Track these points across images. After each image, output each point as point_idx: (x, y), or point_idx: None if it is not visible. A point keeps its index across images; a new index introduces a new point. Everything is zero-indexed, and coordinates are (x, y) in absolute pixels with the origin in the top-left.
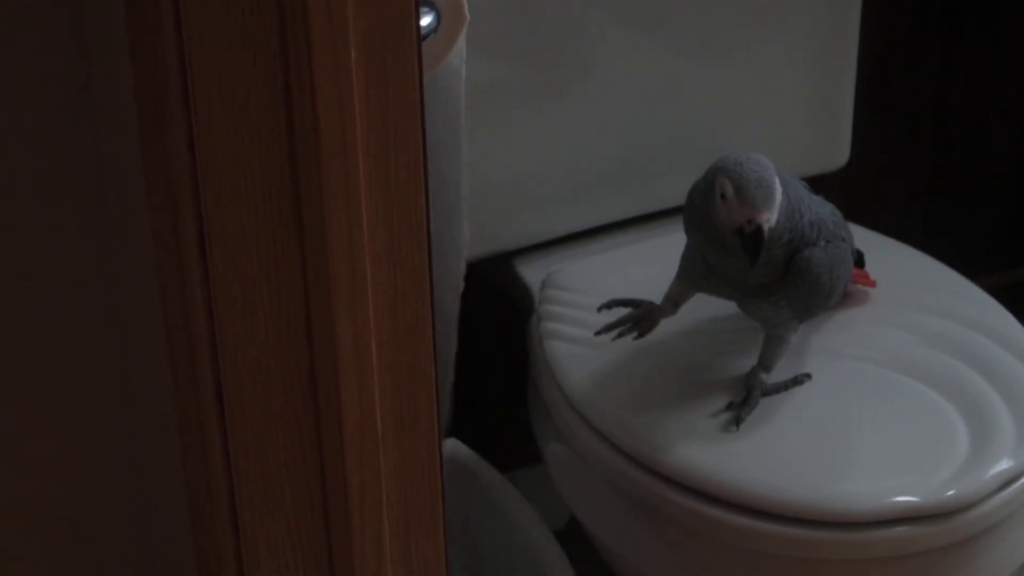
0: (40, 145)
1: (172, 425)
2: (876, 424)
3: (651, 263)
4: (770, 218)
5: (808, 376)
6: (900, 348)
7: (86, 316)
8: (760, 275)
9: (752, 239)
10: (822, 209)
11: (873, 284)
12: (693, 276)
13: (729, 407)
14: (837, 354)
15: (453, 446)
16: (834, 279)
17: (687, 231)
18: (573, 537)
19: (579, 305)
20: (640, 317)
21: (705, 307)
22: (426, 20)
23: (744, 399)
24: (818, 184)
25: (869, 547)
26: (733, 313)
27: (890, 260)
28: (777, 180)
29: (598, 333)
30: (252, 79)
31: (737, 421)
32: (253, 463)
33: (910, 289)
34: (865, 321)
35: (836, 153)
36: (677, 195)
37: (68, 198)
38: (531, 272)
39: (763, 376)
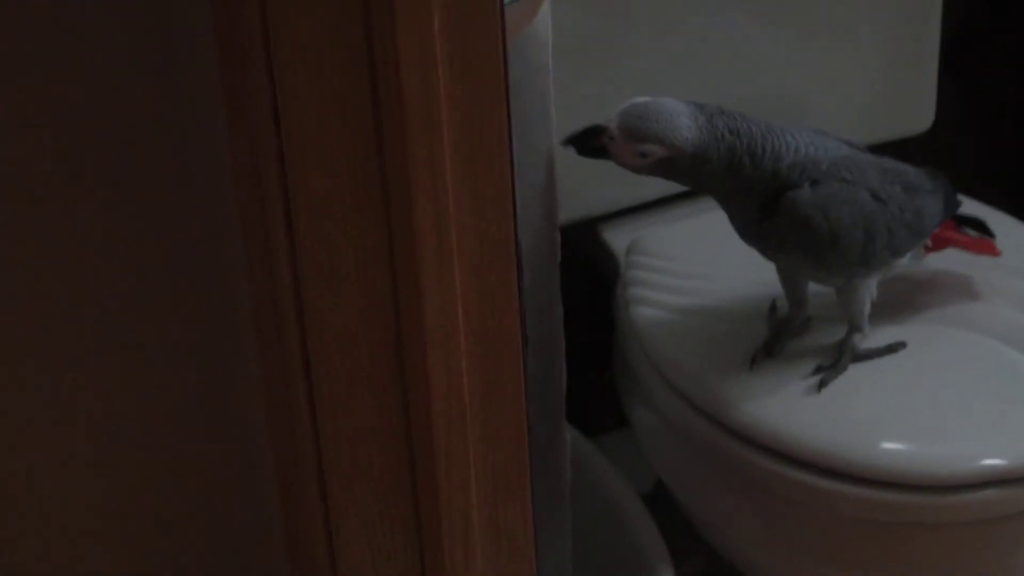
0: (124, 116)
1: (259, 394)
2: (963, 388)
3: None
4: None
5: (903, 344)
6: (989, 312)
7: (171, 285)
8: (744, 216)
9: (584, 137)
10: (819, 152)
11: (997, 254)
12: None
13: (818, 370)
14: (927, 319)
15: None
16: (833, 220)
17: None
18: (660, 501)
19: (665, 271)
20: (782, 332)
21: None
22: None
23: (834, 363)
24: (902, 149)
25: (957, 511)
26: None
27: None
28: (673, 119)
29: (753, 365)
30: (335, 49)
31: (821, 384)
32: (340, 431)
33: (1002, 256)
34: (950, 287)
35: (920, 117)
36: None
37: (152, 168)
38: (616, 238)
39: (856, 339)
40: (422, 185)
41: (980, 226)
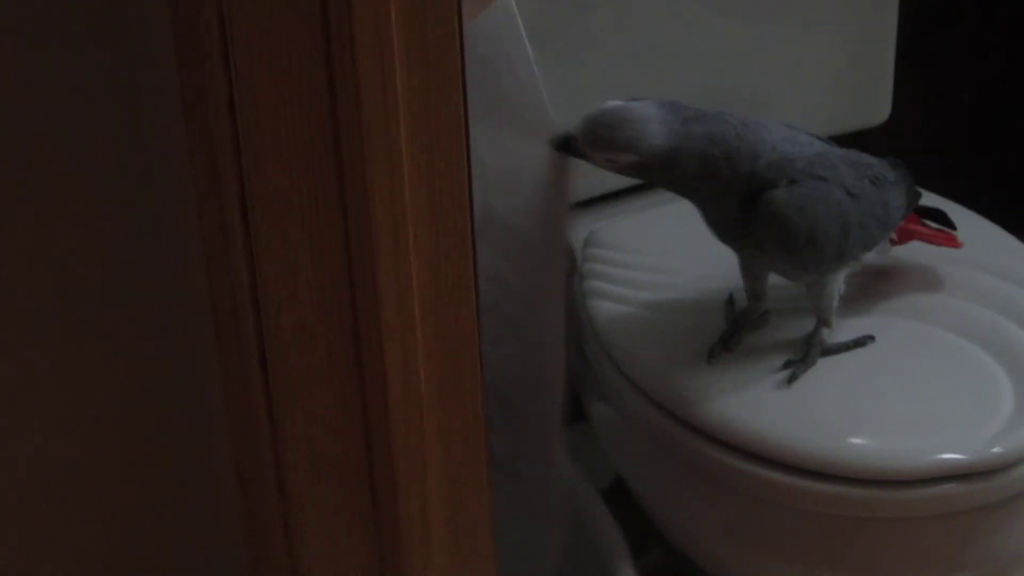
0: (78, 105)
1: (217, 389)
2: (923, 382)
3: (693, 221)
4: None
5: (871, 338)
6: (943, 305)
7: (129, 283)
8: (722, 222)
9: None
10: (795, 150)
11: (957, 245)
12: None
13: (787, 365)
14: (884, 312)
15: None
16: (810, 219)
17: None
18: (618, 495)
19: (621, 263)
20: (739, 326)
21: None
22: None
23: (803, 356)
24: (859, 140)
25: (916, 505)
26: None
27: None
28: (629, 119)
29: (711, 359)
30: (292, 38)
31: (791, 378)
32: (298, 425)
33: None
34: (911, 279)
35: (877, 109)
36: None
37: (107, 161)
38: (574, 230)
39: (824, 332)
40: (378, 177)
41: (941, 218)
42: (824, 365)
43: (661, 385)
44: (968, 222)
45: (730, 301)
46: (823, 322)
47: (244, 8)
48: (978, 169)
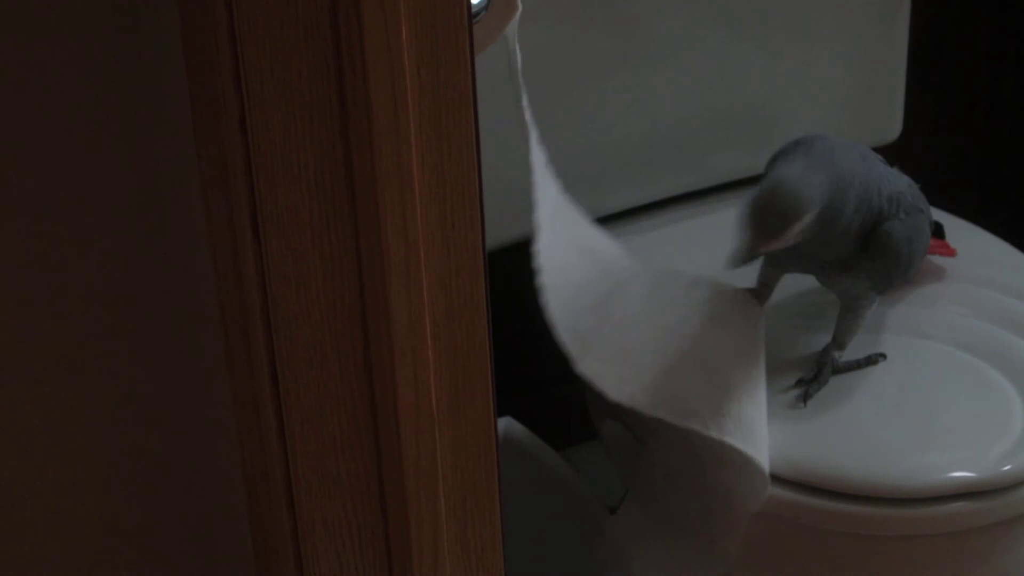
0: (91, 124)
1: (227, 406)
2: (932, 400)
3: (703, 239)
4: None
5: (883, 356)
6: (954, 323)
7: (141, 298)
8: (837, 251)
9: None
10: (900, 181)
11: (952, 253)
12: (779, 259)
13: (799, 383)
14: (894, 330)
15: (507, 424)
16: (912, 251)
17: None
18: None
19: None
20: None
21: (755, 281)
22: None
23: (815, 376)
24: None
25: (926, 523)
26: (802, 290)
27: (947, 235)
28: (805, 216)
29: None
30: (304, 59)
31: (805, 397)
32: (309, 443)
33: (967, 264)
34: (921, 297)
35: (888, 128)
36: (729, 171)
37: (120, 180)
38: None
39: (836, 354)
40: (390, 195)
41: (935, 229)
42: (833, 382)
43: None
44: (976, 238)
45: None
46: (838, 344)
47: (255, 27)
48: (989, 187)
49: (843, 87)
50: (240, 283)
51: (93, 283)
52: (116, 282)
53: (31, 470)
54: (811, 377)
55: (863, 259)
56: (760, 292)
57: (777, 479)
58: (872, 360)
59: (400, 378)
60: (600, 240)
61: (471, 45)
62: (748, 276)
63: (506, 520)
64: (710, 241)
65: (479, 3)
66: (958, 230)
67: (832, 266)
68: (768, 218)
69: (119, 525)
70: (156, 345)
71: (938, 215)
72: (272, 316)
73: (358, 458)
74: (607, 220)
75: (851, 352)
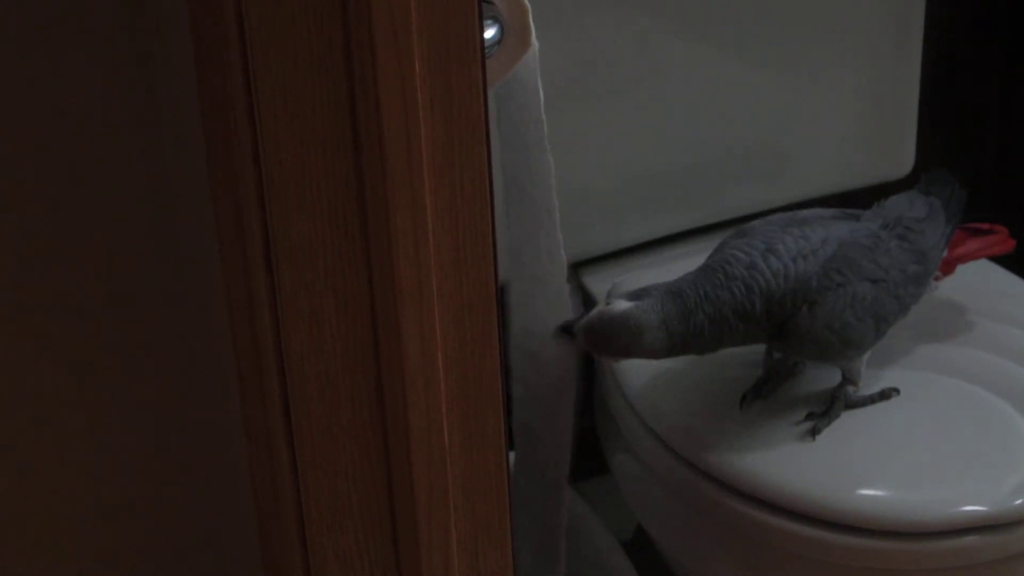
0: (105, 159)
1: (239, 439)
2: (944, 434)
3: None
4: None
5: (896, 391)
6: (966, 358)
7: (154, 330)
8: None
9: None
10: (807, 266)
11: (1011, 245)
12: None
13: (809, 417)
14: (906, 365)
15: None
16: (841, 328)
17: None
18: (640, 548)
19: None
20: (773, 374)
21: None
22: (490, 33)
23: (826, 410)
24: (881, 193)
25: (938, 557)
26: None
27: (959, 270)
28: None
29: (743, 406)
30: (317, 93)
31: (814, 432)
32: (321, 476)
33: (980, 298)
34: (933, 331)
35: (900, 162)
36: (741, 205)
37: (133, 212)
38: (596, 283)
39: (850, 388)
40: (402, 229)
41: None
42: (846, 416)
43: (683, 437)
44: (987, 272)
45: (770, 350)
46: (850, 381)
47: (269, 59)
48: (1001, 221)
49: (855, 122)
50: (253, 316)
51: (107, 316)
52: (129, 313)
53: (38, 496)
54: (822, 411)
55: (794, 350)
56: (773, 372)
57: (788, 512)
58: (885, 395)
59: (412, 411)
60: None
61: (484, 79)
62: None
63: (517, 553)
64: None
65: (492, 37)
66: (970, 265)
67: (779, 350)
68: (594, 339)
69: (126, 557)
70: (168, 377)
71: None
72: (284, 349)
73: (370, 491)
74: (620, 254)
75: (864, 386)
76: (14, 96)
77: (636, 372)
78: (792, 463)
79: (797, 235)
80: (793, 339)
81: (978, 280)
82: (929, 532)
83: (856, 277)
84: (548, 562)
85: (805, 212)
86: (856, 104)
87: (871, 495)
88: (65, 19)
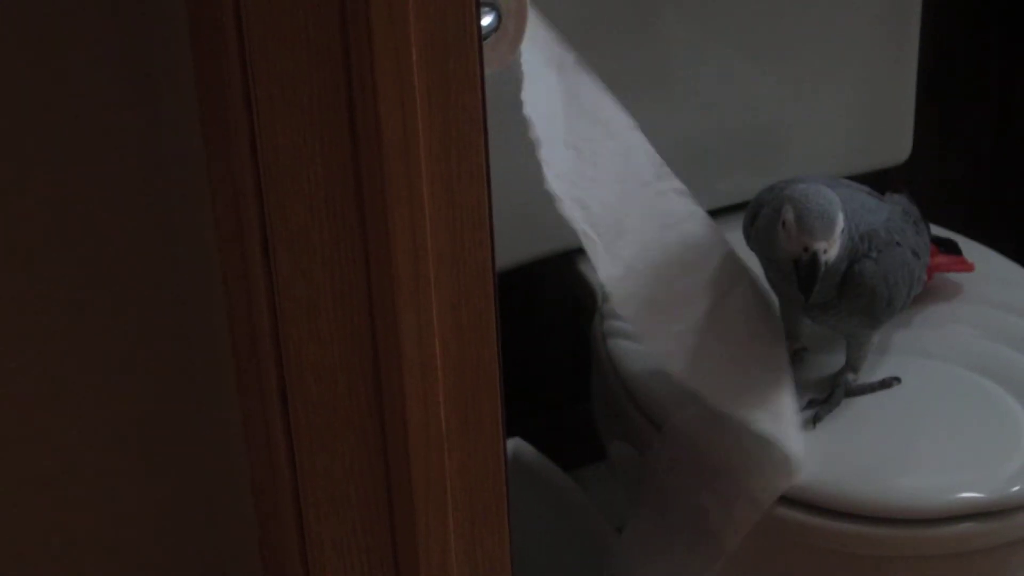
0: (101, 147)
1: (237, 426)
2: (942, 420)
3: None
4: (828, 249)
5: (897, 380)
6: (963, 344)
7: (151, 320)
8: (817, 296)
9: (808, 268)
10: (875, 217)
11: (970, 268)
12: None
13: (810, 404)
14: (904, 351)
15: (516, 445)
16: (891, 286)
17: (748, 245)
18: None
19: None
20: None
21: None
22: (487, 20)
23: (827, 397)
24: (879, 179)
25: (934, 544)
26: None
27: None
28: (841, 215)
29: None
30: (314, 80)
31: (815, 419)
32: (318, 464)
33: (977, 285)
34: (931, 317)
35: (898, 147)
36: (740, 192)
37: (129, 201)
38: (594, 271)
39: (850, 376)
40: (399, 216)
41: (949, 244)
42: (844, 403)
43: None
44: (985, 258)
45: None
46: (852, 368)
47: (266, 48)
48: (999, 208)
49: (853, 108)
50: (250, 304)
51: (103, 305)
52: (126, 303)
53: (34, 489)
54: (823, 399)
55: (841, 301)
56: (789, 334)
57: (785, 499)
58: (886, 384)
59: (409, 399)
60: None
61: (481, 66)
62: None
63: (515, 540)
64: None
65: (489, 24)
66: (967, 250)
67: (813, 310)
68: (815, 221)
69: (125, 543)
70: (166, 365)
71: (947, 236)
72: (282, 337)
73: (367, 478)
74: None
75: (866, 374)
76: (7, 86)
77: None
78: None
79: (857, 191)
80: (853, 286)
81: (977, 267)
82: (926, 519)
83: (905, 243)
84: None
85: (841, 179)
86: (853, 90)
87: (869, 482)
88: (61, 9)
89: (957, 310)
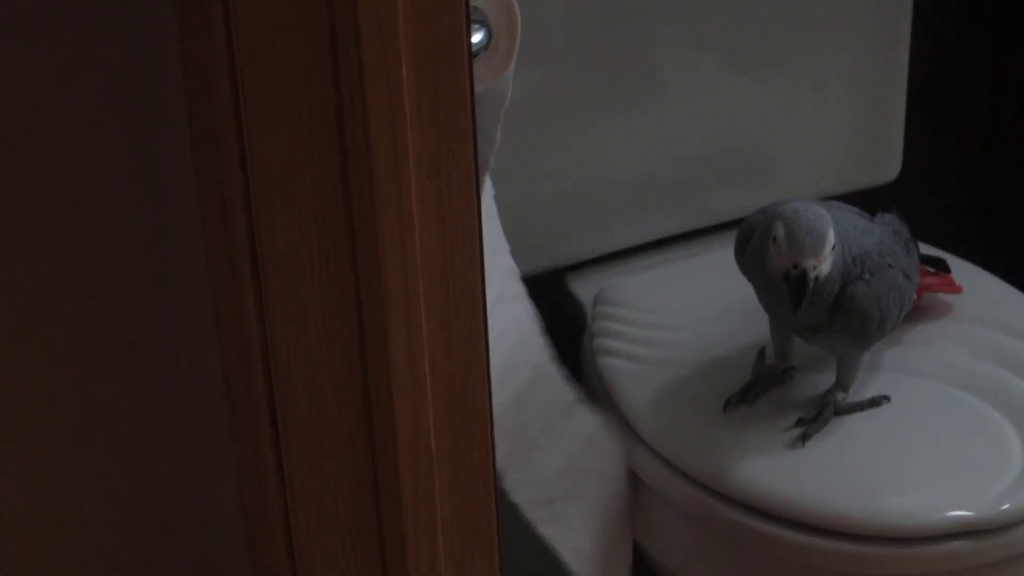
0: (91, 163)
1: (227, 444)
2: (931, 439)
3: (704, 278)
4: (817, 265)
5: (887, 398)
6: (953, 362)
7: (140, 335)
8: (809, 317)
9: (797, 283)
10: (867, 239)
11: (959, 290)
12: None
13: (799, 423)
14: (894, 369)
15: None
16: (883, 308)
17: (740, 269)
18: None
19: (632, 321)
20: (761, 380)
21: (757, 320)
22: (477, 37)
23: (816, 416)
24: (868, 197)
25: (924, 562)
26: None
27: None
28: (831, 232)
29: (727, 409)
30: (304, 97)
31: (804, 437)
32: (307, 481)
33: (966, 304)
34: (920, 336)
35: (888, 165)
36: (729, 210)
37: (119, 216)
38: (584, 288)
39: (840, 395)
40: (389, 233)
41: (939, 264)
42: (833, 422)
43: (671, 442)
44: (975, 277)
45: (761, 354)
46: (841, 387)
47: (256, 64)
48: (988, 226)
49: (842, 125)
50: (239, 320)
51: (92, 320)
52: (115, 317)
53: (28, 503)
54: (811, 417)
55: (833, 323)
56: (776, 365)
57: (775, 517)
58: (875, 402)
59: (399, 416)
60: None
61: (471, 83)
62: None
63: (504, 558)
64: (709, 280)
65: (479, 41)
66: (956, 269)
67: (805, 331)
68: (805, 237)
69: (115, 559)
70: (154, 381)
71: (936, 255)
72: (271, 354)
73: (356, 496)
74: (607, 259)
75: (855, 392)
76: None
77: (623, 376)
78: (780, 469)
79: (848, 213)
80: (845, 309)
81: (966, 286)
82: (915, 537)
83: (897, 266)
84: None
85: (832, 202)
86: (843, 108)
87: (858, 500)
88: (52, 22)
89: (946, 329)
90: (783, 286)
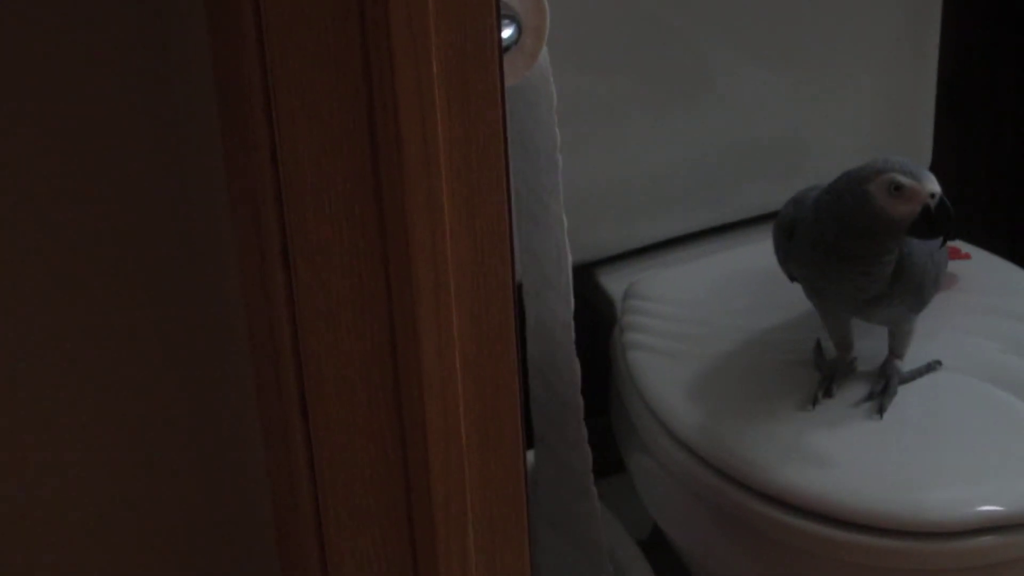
0: (121, 159)
1: (257, 440)
2: (961, 433)
3: (733, 272)
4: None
5: (939, 363)
6: (983, 356)
7: (171, 332)
8: (871, 290)
9: (941, 209)
10: None
11: (967, 256)
12: (827, 303)
13: (870, 396)
14: (920, 362)
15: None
16: (936, 263)
17: (784, 263)
18: (657, 547)
19: (662, 315)
20: (837, 374)
21: (787, 313)
22: (507, 32)
23: (884, 387)
24: None
25: (955, 557)
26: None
27: (973, 267)
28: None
29: (815, 406)
30: (335, 93)
31: (880, 410)
32: (338, 477)
33: (995, 297)
34: (949, 329)
35: (917, 158)
36: (759, 204)
37: (150, 213)
38: (614, 282)
39: (898, 363)
40: (420, 228)
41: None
42: (861, 417)
43: (701, 437)
44: (1003, 271)
45: (818, 349)
46: (897, 355)
47: (286, 60)
48: (1018, 217)
49: (872, 118)
50: (270, 316)
51: (123, 318)
52: (146, 314)
53: (51, 497)
54: (881, 389)
55: (894, 288)
56: (842, 356)
57: (805, 512)
58: (931, 367)
59: (429, 411)
60: None
61: (502, 78)
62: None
63: (534, 552)
64: (739, 274)
65: (509, 36)
66: (984, 263)
67: (866, 306)
68: (922, 170)
69: (141, 557)
70: (184, 378)
71: (967, 248)
72: (302, 349)
73: (387, 490)
74: (637, 253)
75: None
76: (37, 99)
77: (652, 371)
78: (809, 463)
79: None
80: (906, 271)
81: (990, 280)
82: (946, 532)
83: None
84: (590, 563)
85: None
86: (873, 101)
87: (887, 495)
88: (82, 17)
89: (976, 322)
90: (922, 226)
